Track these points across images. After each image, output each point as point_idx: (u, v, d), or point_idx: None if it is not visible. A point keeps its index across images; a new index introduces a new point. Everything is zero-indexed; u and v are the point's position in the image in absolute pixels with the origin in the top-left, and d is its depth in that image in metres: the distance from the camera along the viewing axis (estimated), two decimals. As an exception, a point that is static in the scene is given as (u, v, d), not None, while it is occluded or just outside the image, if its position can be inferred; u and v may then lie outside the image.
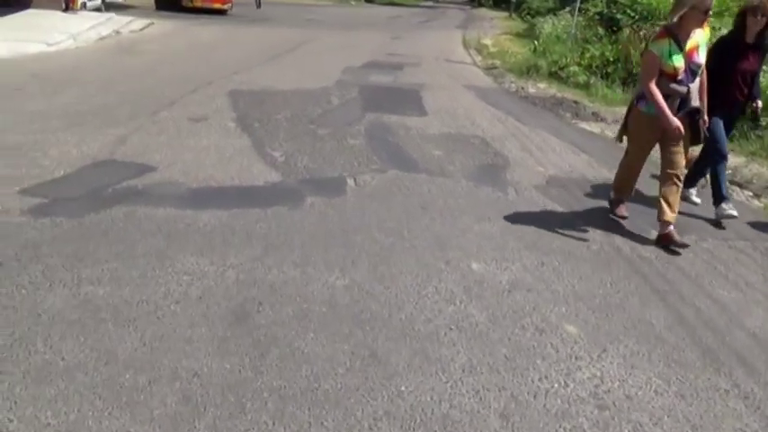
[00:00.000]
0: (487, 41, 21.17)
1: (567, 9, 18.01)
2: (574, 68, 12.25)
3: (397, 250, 4.20)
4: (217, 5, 23.97)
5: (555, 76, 12.61)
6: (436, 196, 5.30)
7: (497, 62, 15.64)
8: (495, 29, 27.91)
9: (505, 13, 37.90)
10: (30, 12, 17.33)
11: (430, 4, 53.32)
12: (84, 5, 19.55)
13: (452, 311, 3.48)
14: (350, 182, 5.50)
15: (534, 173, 6.22)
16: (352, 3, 43.76)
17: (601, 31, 13.87)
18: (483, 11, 43.33)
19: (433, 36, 22.62)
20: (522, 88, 11.91)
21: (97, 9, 20.43)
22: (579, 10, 16.17)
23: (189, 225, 4.32)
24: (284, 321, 3.25)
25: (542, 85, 12.22)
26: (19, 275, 3.48)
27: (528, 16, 32.08)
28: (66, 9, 18.32)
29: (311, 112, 8.15)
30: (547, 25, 16.54)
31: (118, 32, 16.53)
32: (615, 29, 13.60)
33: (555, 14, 18.51)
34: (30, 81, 9.07)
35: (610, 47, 12.53)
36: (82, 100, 7.91)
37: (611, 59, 11.85)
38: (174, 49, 14.04)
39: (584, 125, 8.92)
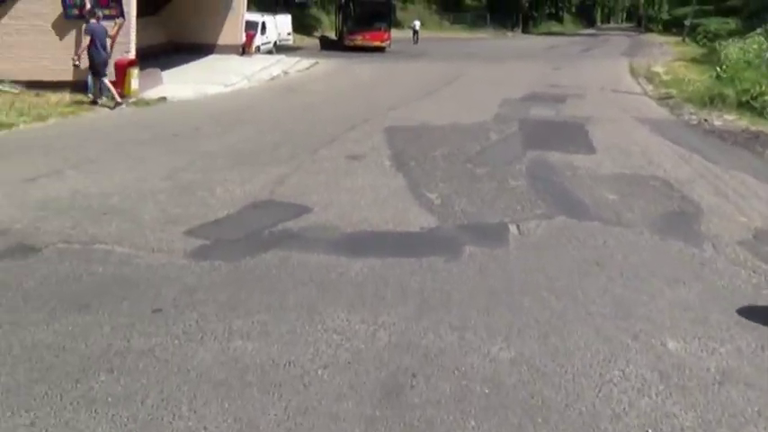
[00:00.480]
0: (659, 69, 19.49)
1: (759, 31, 15.95)
2: (770, 97, 10.62)
3: (570, 317, 3.58)
4: (376, 43, 24.77)
5: (746, 106, 11.04)
6: (614, 250, 4.58)
7: (672, 91, 14.19)
8: (667, 55, 25.78)
9: (677, 38, 35.01)
10: (212, 57, 19.06)
11: (592, 31, 51.14)
12: (258, 49, 21.15)
13: (647, 406, 2.80)
14: (512, 229, 4.97)
15: (736, 224, 5.22)
16: (509, 35, 43.24)
17: (804, 53, 11.98)
18: (651, 36, 40.46)
19: (597, 65, 21.33)
20: (706, 120, 10.55)
21: (269, 52, 22.01)
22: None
23: (341, 274, 4.07)
24: (440, 401, 2.80)
25: (731, 117, 10.74)
26: (174, 324, 3.41)
27: (705, 40, 29.34)
28: (243, 53, 19.90)
29: (469, 149, 7.75)
30: (733, 49, 14.68)
31: (286, 72, 17.56)
32: (823, 51, 11.65)
33: (742, 37, 16.45)
34: (206, 121, 9.71)
35: (817, 72, 10.71)
36: (248, 139, 8.24)
37: (820, 87, 10.09)
38: (335, 88, 14.51)
39: (790, 164, 7.54)
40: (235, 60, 18.67)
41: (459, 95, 13.09)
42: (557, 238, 4.79)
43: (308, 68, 18.62)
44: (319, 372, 3.01)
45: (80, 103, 10.86)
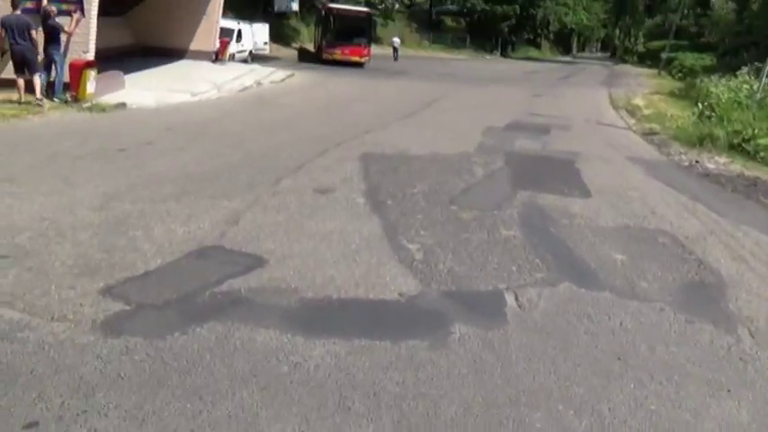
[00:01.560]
0: (639, 102, 19.04)
1: (745, 70, 15.54)
2: (764, 141, 10.02)
3: (598, 449, 2.66)
4: (355, 58, 23.89)
5: (737, 149, 10.42)
6: (635, 337, 3.68)
7: (656, 127, 13.58)
8: (644, 87, 25.51)
9: (652, 70, 35.05)
10: (183, 62, 17.89)
11: (568, 59, 51.27)
12: (232, 57, 20.05)
13: None
14: (509, 300, 4.04)
15: (766, 301, 4.38)
16: (488, 57, 42.94)
17: (797, 97, 11.47)
18: (626, 67, 40.58)
19: (577, 94, 20.81)
20: (698, 162, 9.87)
21: (244, 61, 20.93)
22: (758, 71, 13.75)
23: (296, 366, 3.07)
24: None
25: (722, 160, 10.08)
26: (50, 450, 2.37)
27: (680, 74, 29.30)
28: (216, 60, 18.78)
29: (452, 186, 6.84)
30: (719, 88, 14.17)
31: (260, 83, 16.53)
32: (816, 95, 11.16)
33: (717, 74, 15.99)
34: (163, 134, 8.63)
35: (812, 117, 10.16)
36: (205, 159, 7.19)
37: (819, 133, 9.52)
38: (309, 103, 13.53)
39: (802, 221, 6.81)
40: (206, 68, 17.55)
41: (440, 120, 12.23)
42: (564, 316, 3.87)
43: (282, 80, 17.61)
44: None
45: (28, 103, 9.69)
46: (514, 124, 12.16)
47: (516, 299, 4.06)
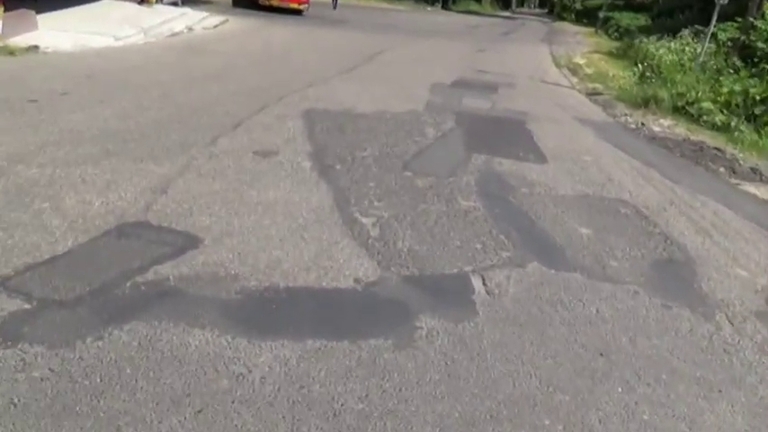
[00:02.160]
0: (579, 60, 18.89)
1: (687, 31, 15.54)
2: (707, 105, 9.96)
3: (593, 474, 2.29)
4: (293, 5, 22.50)
5: (681, 111, 10.34)
6: (614, 327, 3.35)
7: (599, 86, 13.43)
8: (582, 45, 25.42)
9: (589, 29, 35.12)
10: (106, 2, 16.17)
11: (508, 14, 50.83)
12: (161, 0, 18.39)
13: None
14: (477, 285, 3.62)
15: (738, 281, 4.15)
16: (428, 9, 41.91)
17: (737, 62, 11.47)
18: (564, 24, 40.50)
19: (519, 50, 20.46)
20: (643, 124, 9.73)
21: (174, 4, 19.25)
22: (698, 33, 13.76)
23: (238, 380, 2.53)
24: None
25: (666, 123, 9.99)
26: None
27: (617, 33, 29.46)
28: (142, 2, 17.14)
29: (404, 149, 6.31)
30: (661, 50, 14.09)
31: (191, 29, 15.20)
32: (755, 60, 11.19)
33: (672, 36, 15.90)
34: (81, 83, 7.60)
35: (752, 81, 10.17)
36: (130, 113, 6.32)
37: (759, 98, 9.52)
38: (245, 51, 12.50)
39: (751, 188, 6.73)
40: (132, 9, 15.92)
41: (385, 74, 11.55)
42: (536, 303, 3.49)
43: (215, 27, 16.27)
44: None
45: None
46: (461, 81, 11.65)
47: (484, 283, 3.64)
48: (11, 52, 9.62)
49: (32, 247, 3.35)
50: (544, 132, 8.01)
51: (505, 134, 7.73)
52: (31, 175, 4.34)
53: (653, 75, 12.92)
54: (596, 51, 22.81)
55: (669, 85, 11.34)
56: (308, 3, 23.28)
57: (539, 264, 3.98)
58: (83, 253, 3.38)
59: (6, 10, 10.41)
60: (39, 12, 11.84)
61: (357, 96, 8.71)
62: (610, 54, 21.31)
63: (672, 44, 14.41)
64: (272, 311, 3.08)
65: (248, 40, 14.64)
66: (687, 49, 13.36)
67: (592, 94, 12.65)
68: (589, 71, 16.26)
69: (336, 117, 7.32)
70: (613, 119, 10.18)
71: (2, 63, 8.63)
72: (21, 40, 10.52)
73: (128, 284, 3.11)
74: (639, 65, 14.24)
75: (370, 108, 8.04)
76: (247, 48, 13.19)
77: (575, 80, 14.77)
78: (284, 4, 22.16)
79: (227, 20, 17.37)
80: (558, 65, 17.51)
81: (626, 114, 10.49)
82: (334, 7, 27.85)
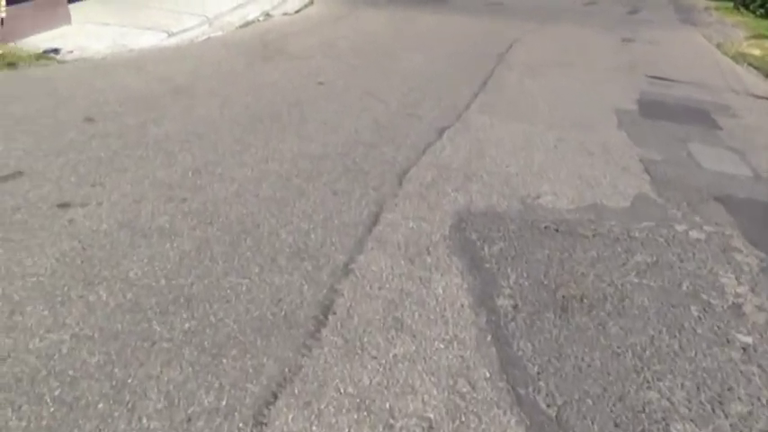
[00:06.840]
0: (750, 50, 14.04)
1: None
2: None
3: None
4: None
5: None
6: None
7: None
8: (730, 27, 20.00)
9: (719, 2, 28.89)
10: (168, -19, 12.94)
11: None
12: (234, -26, 14.91)
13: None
14: None
15: None
16: (528, -20, 36.49)
17: None
18: (688, -3, 34.11)
19: (671, 39, 15.61)
20: None
21: (250, -21, 15.75)
22: None
23: None
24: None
25: None
26: None
27: (761, 10, 23.52)
28: (212, -21, 13.72)
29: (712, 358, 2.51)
30: None
31: (268, 15, 11.73)
32: None
33: None
34: (82, 131, 4.26)
35: None
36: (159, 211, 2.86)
37: None
38: (330, 50, 8.86)
39: None
40: (197, -10, 12.66)
41: (540, 93, 7.58)
42: None
43: (298, 11, 12.68)
44: None
45: None
46: (649, 104, 7.50)
47: None
48: (11, 63, 6.43)
49: None
50: None
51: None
52: None
53: None
54: (758, 35, 17.55)
55: None
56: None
57: None
58: None
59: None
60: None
61: (528, 162, 4.94)
62: (782, 39, 16.11)
63: None
64: None
65: (336, 30, 10.95)
66: None
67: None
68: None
69: (509, 229, 3.56)
70: None
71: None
72: (42, 39, 7.36)
73: None
74: None
75: (563, 198, 4.23)
76: (336, 44, 9.49)
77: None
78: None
79: (311, 1, 13.73)
80: (735, 60, 12.76)
81: None
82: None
